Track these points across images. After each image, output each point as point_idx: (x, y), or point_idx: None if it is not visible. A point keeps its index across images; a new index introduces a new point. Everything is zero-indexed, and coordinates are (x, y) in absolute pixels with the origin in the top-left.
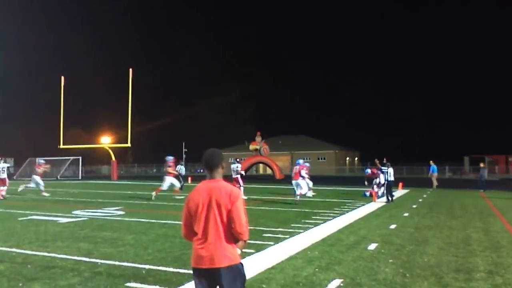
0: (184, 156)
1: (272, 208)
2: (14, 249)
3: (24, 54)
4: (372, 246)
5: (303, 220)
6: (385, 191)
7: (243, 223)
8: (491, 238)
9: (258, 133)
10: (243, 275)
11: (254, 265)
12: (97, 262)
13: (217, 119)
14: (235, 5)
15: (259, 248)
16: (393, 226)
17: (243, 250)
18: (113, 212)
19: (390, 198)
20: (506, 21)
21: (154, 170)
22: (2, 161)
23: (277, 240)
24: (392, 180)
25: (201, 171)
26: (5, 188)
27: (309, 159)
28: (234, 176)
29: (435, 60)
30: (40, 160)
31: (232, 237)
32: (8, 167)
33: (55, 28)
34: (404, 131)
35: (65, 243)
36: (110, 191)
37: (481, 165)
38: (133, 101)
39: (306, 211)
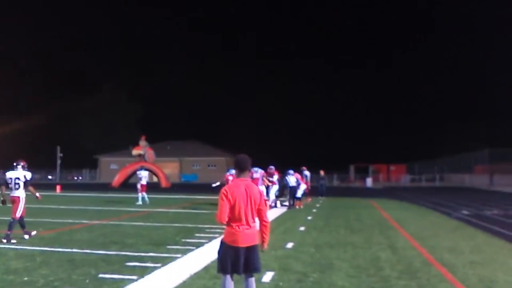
0: (59, 161)
1: (146, 224)
2: None
3: None
4: (268, 277)
5: (183, 240)
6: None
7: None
8: (401, 257)
9: (143, 137)
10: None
11: None
12: None
13: (98, 121)
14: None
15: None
16: (290, 245)
17: None
18: None
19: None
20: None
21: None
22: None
23: (142, 273)
24: (294, 186)
25: (79, 178)
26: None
27: (199, 166)
28: (142, 183)
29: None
30: None
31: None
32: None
33: None
34: (293, 140)
35: None
36: None
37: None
38: None
39: (188, 226)
